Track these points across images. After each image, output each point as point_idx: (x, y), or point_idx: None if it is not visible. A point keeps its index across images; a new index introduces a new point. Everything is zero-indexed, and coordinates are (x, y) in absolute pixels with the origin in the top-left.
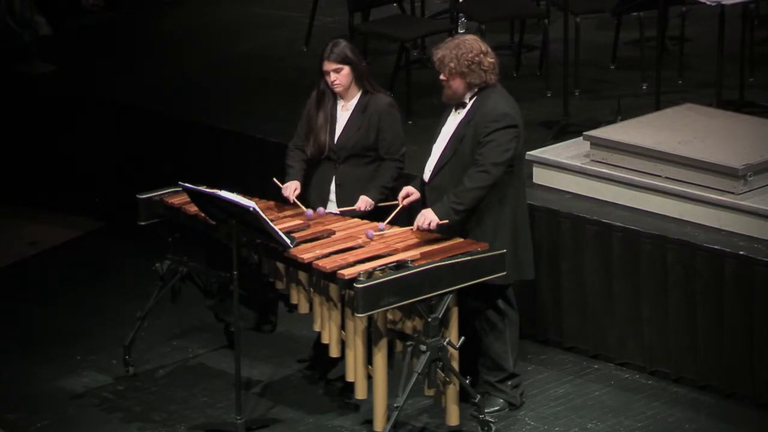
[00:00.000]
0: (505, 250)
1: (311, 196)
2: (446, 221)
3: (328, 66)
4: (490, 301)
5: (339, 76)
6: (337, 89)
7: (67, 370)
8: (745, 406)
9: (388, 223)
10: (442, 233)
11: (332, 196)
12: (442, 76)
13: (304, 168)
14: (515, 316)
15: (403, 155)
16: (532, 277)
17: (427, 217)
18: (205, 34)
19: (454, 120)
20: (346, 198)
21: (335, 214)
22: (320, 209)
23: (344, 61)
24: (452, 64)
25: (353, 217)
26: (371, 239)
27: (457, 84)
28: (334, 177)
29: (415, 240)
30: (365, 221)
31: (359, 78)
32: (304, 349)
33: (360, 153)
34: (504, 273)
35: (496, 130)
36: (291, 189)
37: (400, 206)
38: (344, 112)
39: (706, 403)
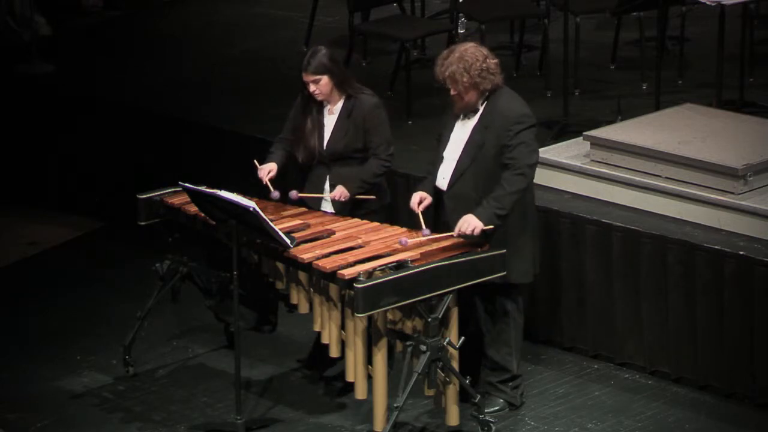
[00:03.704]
0: (504, 250)
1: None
2: (491, 227)
3: (306, 77)
4: (501, 300)
5: (318, 86)
6: (319, 98)
7: (67, 370)
8: (745, 406)
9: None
10: (483, 239)
11: (327, 196)
12: (453, 92)
13: (284, 156)
14: (521, 317)
15: (390, 155)
16: (539, 269)
17: (471, 223)
18: (205, 34)
19: (464, 125)
20: None
21: (308, 197)
22: (292, 192)
23: (321, 71)
24: (464, 79)
25: (334, 207)
26: (404, 246)
27: (470, 95)
28: (327, 178)
29: (416, 240)
30: (365, 221)
31: (340, 84)
32: (304, 349)
33: (350, 155)
34: (504, 272)
35: (521, 131)
36: (265, 170)
37: (418, 213)
38: (331, 116)
39: (706, 403)
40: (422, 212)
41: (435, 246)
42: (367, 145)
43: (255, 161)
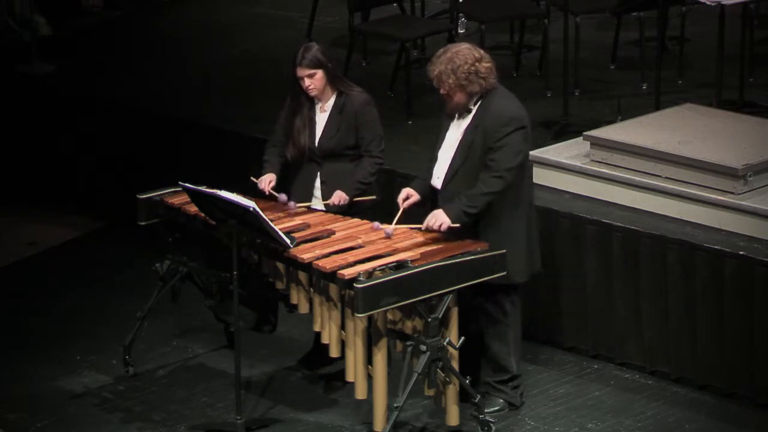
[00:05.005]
0: (505, 250)
1: (297, 193)
2: (458, 225)
3: (301, 72)
4: (499, 300)
5: (313, 80)
6: (313, 93)
7: (67, 370)
8: (745, 406)
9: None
10: (450, 234)
11: (317, 192)
12: (442, 91)
13: (280, 162)
14: (518, 317)
15: (382, 151)
16: (540, 268)
17: (439, 218)
18: (205, 34)
19: (458, 126)
20: (331, 194)
21: (312, 209)
22: (291, 203)
23: (316, 65)
24: (450, 80)
25: (329, 212)
26: (390, 237)
27: (459, 97)
28: (318, 174)
29: (416, 240)
30: (365, 221)
31: (332, 80)
32: (304, 349)
33: (342, 152)
34: (504, 272)
35: (508, 134)
36: (266, 181)
37: (402, 209)
38: (322, 113)
39: (706, 403)
40: (406, 209)
41: (435, 246)
42: (358, 142)
43: (252, 178)
